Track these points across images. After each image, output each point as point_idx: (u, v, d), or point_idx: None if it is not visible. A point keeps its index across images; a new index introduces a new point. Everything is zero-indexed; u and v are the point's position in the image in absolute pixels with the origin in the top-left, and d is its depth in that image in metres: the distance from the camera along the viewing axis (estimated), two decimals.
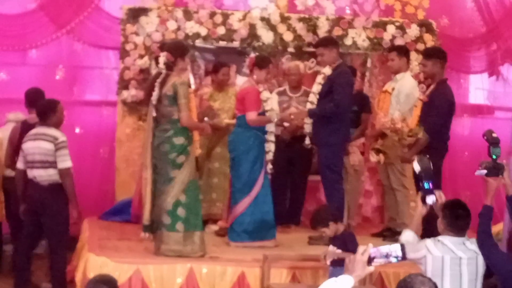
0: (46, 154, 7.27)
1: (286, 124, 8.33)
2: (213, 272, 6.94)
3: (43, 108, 7.46)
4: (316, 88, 8.09)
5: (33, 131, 7.40)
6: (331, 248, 6.29)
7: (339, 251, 6.07)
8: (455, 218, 5.64)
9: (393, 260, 3.79)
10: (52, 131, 7.32)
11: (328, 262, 6.14)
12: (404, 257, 3.79)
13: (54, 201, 7.31)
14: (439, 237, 5.64)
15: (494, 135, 5.72)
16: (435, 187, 7.75)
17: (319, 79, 8.12)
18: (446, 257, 5.52)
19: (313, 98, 8.11)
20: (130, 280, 6.79)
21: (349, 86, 8.06)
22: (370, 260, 3.78)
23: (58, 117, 7.44)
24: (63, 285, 7.46)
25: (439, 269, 5.47)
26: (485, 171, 5.66)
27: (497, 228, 7.01)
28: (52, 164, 7.28)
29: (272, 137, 7.91)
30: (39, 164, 7.30)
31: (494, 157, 5.69)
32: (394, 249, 3.79)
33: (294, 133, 8.55)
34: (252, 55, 8.03)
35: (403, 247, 3.79)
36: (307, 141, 8.25)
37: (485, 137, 5.78)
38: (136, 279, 6.81)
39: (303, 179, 8.94)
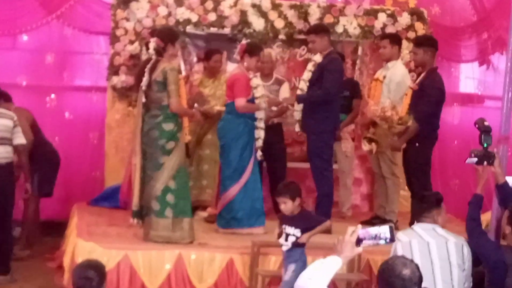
0: (6, 131, 7.51)
1: (274, 108, 8.30)
2: (201, 259, 6.94)
3: None
4: (307, 75, 8.07)
5: None
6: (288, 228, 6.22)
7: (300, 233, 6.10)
8: (420, 200, 5.75)
9: (382, 242, 3.79)
10: (7, 111, 7.65)
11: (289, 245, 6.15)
12: (392, 239, 3.79)
13: (10, 181, 7.57)
14: (414, 225, 5.68)
15: (486, 123, 5.73)
16: (426, 176, 7.84)
17: (310, 66, 8.10)
18: (414, 241, 5.52)
19: (303, 85, 8.09)
20: (118, 266, 6.78)
21: (339, 74, 8.05)
22: (358, 241, 3.78)
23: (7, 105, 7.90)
24: (7, 264, 7.59)
25: (409, 255, 5.45)
26: (475, 159, 5.68)
27: (486, 218, 7.02)
28: (10, 142, 7.54)
29: (261, 124, 7.89)
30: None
31: (485, 145, 5.70)
32: (383, 230, 3.78)
33: (268, 121, 8.42)
34: (243, 42, 7.98)
35: (391, 229, 3.78)
36: (297, 127, 8.23)
37: (477, 125, 5.79)
38: (124, 265, 6.81)
39: (281, 167, 8.75)
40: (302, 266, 6.08)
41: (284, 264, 6.29)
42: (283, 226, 6.23)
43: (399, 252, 5.46)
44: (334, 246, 3.82)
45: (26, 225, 8.63)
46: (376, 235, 3.79)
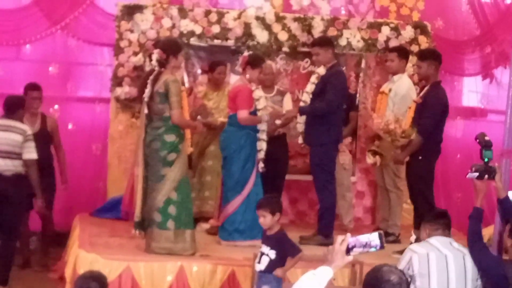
0: (15, 146, 7.55)
1: (277, 121, 8.30)
2: (203, 271, 6.94)
3: (11, 102, 7.82)
4: (310, 87, 8.09)
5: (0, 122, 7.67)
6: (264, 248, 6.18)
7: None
8: (435, 217, 5.79)
9: (372, 249, 3.78)
10: (20, 124, 7.68)
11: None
12: (382, 246, 3.79)
13: (16, 192, 7.56)
14: (428, 239, 5.68)
15: (486, 138, 5.74)
16: (429, 189, 7.82)
17: (313, 78, 8.12)
18: (432, 254, 5.55)
19: (306, 97, 8.10)
20: (120, 277, 6.78)
21: (342, 87, 8.07)
22: (348, 250, 3.77)
23: (23, 113, 7.88)
24: (6, 275, 7.61)
25: (425, 267, 5.49)
26: (476, 174, 5.68)
27: (488, 232, 7.02)
28: (19, 156, 7.58)
29: (263, 136, 7.88)
30: (4, 154, 7.55)
31: (486, 160, 5.71)
32: (373, 238, 3.77)
33: (274, 131, 8.43)
34: (245, 53, 7.99)
35: (381, 236, 3.78)
36: (300, 140, 8.22)
37: (478, 140, 5.80)
38: (126, 276, 6.80)
39: (280, 179, 8.71)
40: (277, 287, 6.05)
41: (257, 284, 6.21)
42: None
43: (415, 264, 5.51)
44: (324, 256, 3.81)
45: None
46: (366, 243, 3.78)
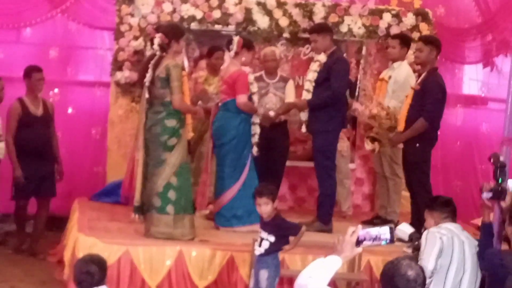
0: None
1: (271, 113, 8.27)
2: (202, 256, 6.95)
3: None
4: (312, 75, 8.04)
5: None
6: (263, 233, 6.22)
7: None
8: (443, 205, 5.82)
9: (382, 243, 3.78)
10: None
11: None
12: (392, 240, 3.78)
13: None
14: (441, 225, 5.70)
15: (501, 158, 5.79)
16: (426, 176, 7.81)
17: (314, 66, 8.07)
18: (455, 239, 5.64)
19: (309, 85, 8.05)
20: (119, 261, 6.79)
21: (345, 73, 8.05)
22: (358, 242, 3.77)
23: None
24: None
25: (450, 251, 5.54)
26: (491, 194, 5.74)
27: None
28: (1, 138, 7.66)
29: (257, 120, 7.89)
30: None
31: (500, 180, 5.75)
32: (383, 231, 3.77)
33: (273, 120, 8.42)
34: (235, 37, 7.90)
35: (391, 230, 3.77)
36: (303, 128, 8.20)
37: (492, 160, 5.83)
38: (125, 260, 6.81)
39: (280, 165, 8.71)
40: (275, 270, 6.12)
41: (255, 268, 6.25)
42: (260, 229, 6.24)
43: (445, 246, 5.54)
44: (334, 246, 3.81)
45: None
46: (376, 236, 3.78)
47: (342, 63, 7.98)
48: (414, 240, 5.89)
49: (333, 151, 8.06)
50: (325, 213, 8.01)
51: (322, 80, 7.92)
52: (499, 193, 5.70)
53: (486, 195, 5.74)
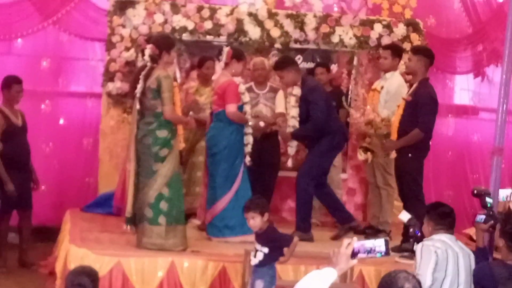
0: None
1: (261, 123, 8.28)
2: (194, 267, 6.93)
3: None
4: (295, 111, 8.10)
5: None
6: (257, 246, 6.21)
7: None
8: (440, 217, 5.75)
9: (377, 255, 3.78)
10: None
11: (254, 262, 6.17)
12: (387, 253, 3.79)
13: None
14: (434, 236, 5.68)
15: (482, 187, 5.91)
16: (418, 186, 7.84)
17: (293, 102, 8.14)
18: (449, 251, 5.59)
19: (295, 122, 8.12)
20: (111, 273, 6.76)
21: (322, 99, 8.09)
22: (354, 254, 3.78)
23: None
24: None
25: (444, 263, 5.51)
26: (483, 217, 5.90)
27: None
28: None
29: (249, 130, 7.88)
30: None
31: (489, 205, 5.93)
32: (378, 244, 3.78)
33: (264, 131, 8.45)
34: (225, 48, 7.90)
35: (387, 243, 3.79)
36: (289, 163, 8.34)
37: (476, 191, 6.10)
38: (117, 272, 6.78)
39: (272, 176, 8.74)
40: (270, 281, 6.12)
41: (251, 278, 6.24)
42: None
43: (440, 259, 5.51)
44: (329, 258, 3.81)
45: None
46: (371, 249, 3.79)
47: (315, 91, 8.07)
48: (412, 226, 5.96)
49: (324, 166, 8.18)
50: (302, 220, 8.07)
51: (305, 117, 8.05)
52: (491, 218, 5.87)
53: (479, 217, 5.83)
